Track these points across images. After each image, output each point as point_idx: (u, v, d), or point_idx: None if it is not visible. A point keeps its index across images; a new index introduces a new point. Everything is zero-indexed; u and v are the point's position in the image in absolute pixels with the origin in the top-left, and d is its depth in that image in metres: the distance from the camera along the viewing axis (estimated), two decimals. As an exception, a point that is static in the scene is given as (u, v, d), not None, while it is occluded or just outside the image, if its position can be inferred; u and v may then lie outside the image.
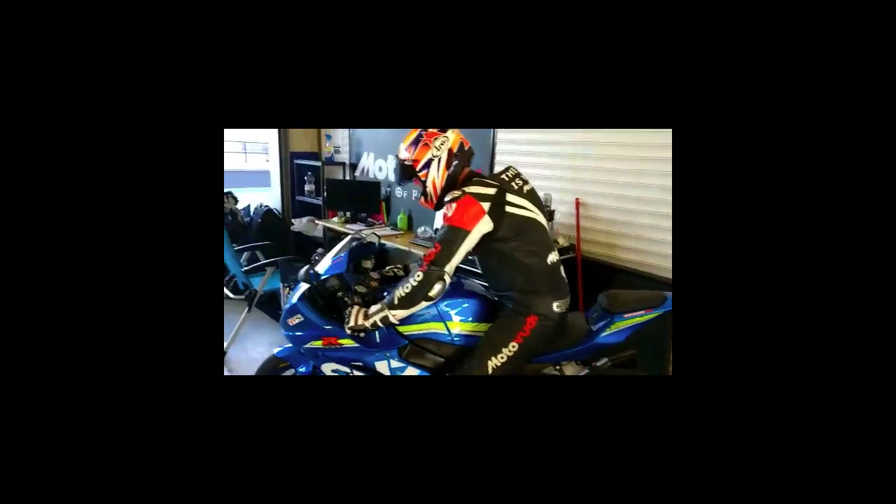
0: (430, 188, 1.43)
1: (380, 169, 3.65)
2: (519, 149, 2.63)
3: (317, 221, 3.79)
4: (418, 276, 1.30)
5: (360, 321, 1.35)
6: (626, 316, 1.37)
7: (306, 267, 1.50)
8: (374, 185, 3.55)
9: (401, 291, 1.31)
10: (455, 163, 1.41)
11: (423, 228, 3.05)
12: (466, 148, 1.45)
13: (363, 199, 3.57)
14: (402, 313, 1.33)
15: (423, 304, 1.31)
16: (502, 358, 1.33)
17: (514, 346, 1.33)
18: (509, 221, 1.32)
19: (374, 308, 1.36)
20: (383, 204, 3.55)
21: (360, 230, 1.83)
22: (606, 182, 2.28)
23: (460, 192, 1.31)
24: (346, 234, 3.56)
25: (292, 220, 4.01)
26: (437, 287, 1.29)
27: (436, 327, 1.42)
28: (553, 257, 1.41)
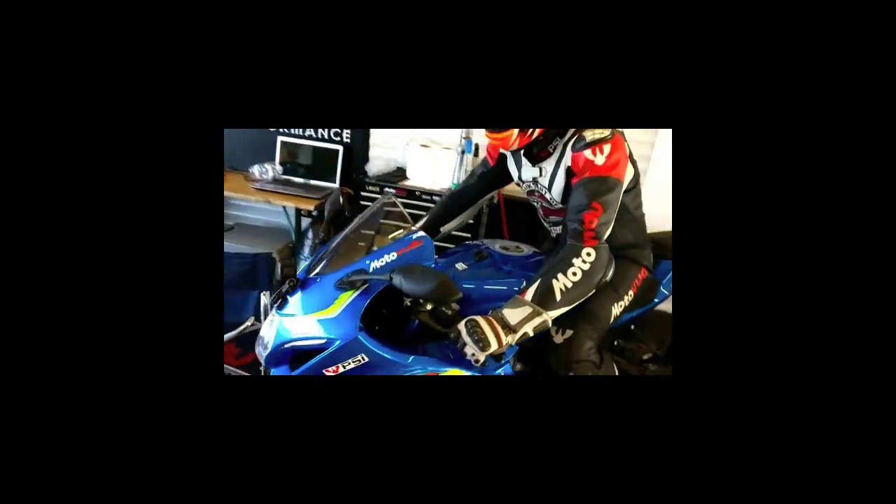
0: None
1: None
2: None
3: None
4: (588, 254, 0.96)
5: (505, 340, 0.90)
6: None
7: (412, 273, 0.84)
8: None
9: (565, 281, 0.94)
10: None
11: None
12: None
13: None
14: (561, 312, 0.96)
15: (592, 292, 1.00)
16: (622, 305, 1.16)
17: (630, 296, 1.18)
18: (634, 168, 1.12)
19: (515, 314, 0.92)
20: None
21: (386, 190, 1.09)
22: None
23: (609, 132, 1.00)
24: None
25: None
26: (613, 267, 1.01)
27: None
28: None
